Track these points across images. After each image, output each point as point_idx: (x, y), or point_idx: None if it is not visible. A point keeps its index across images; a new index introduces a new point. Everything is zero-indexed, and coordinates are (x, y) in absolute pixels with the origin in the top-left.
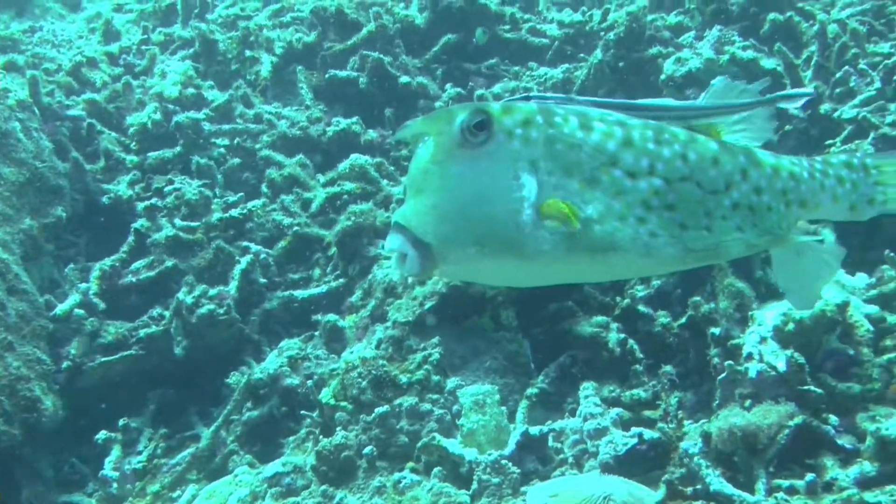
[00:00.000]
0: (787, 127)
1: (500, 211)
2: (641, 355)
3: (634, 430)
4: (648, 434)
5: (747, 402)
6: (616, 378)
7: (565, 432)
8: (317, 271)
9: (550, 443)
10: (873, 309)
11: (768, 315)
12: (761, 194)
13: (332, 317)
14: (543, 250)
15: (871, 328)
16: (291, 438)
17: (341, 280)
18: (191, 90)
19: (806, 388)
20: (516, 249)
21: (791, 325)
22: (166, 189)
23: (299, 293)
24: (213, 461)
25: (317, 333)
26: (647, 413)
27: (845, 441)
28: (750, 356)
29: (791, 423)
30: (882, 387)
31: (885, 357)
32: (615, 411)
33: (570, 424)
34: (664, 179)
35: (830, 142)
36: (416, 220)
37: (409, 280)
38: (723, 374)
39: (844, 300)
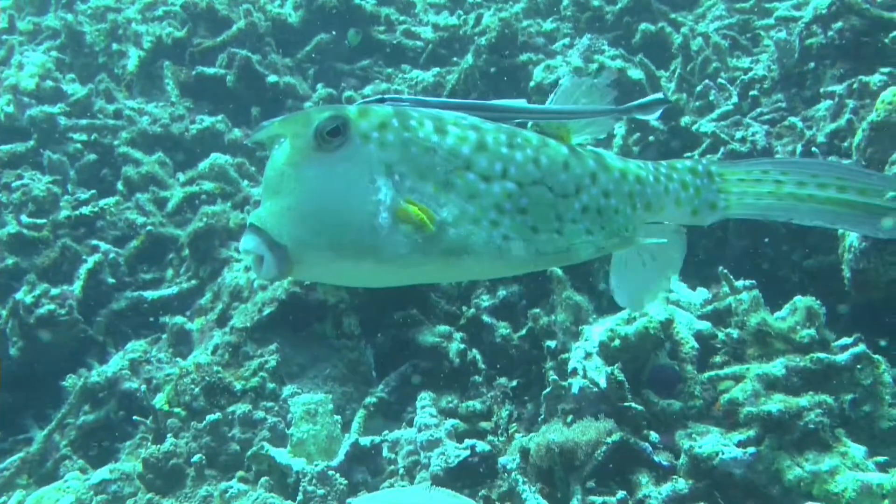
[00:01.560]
0: (651, 138)
1: (356, 214)
2: (484, 366)
3: (468, 441)
4: (481, 446)
5: (569, 418)
6: (457, 388)
7: (400, 442)
8: (170, 272)
9: (385, 453)
10: (705, 325)
11: (595, 330)
12: (609, 197)
13: (179, 319)
14: (399, 254)
15: (696, 345)
16: (128, 443)
17: (193, 282)
18: (49, 83)
19: (627, 404)
20: (373, 253)
21: (617, 342)
22: (14, 184)
23: (149, 294)
24: (44, 466)
25: (164, 336)
26: (484, 425)
27: (663, 458)
28: (574, 371)
29: (609, 439)
30: (703, 405)
31: (706, 374)
32: (450, 422)
33: (406, 435)
34: (517, 183)
35: (689, 154)
36: (272, 222)
37: (256, 285)
38: (547, 389)
39: (668, 317)
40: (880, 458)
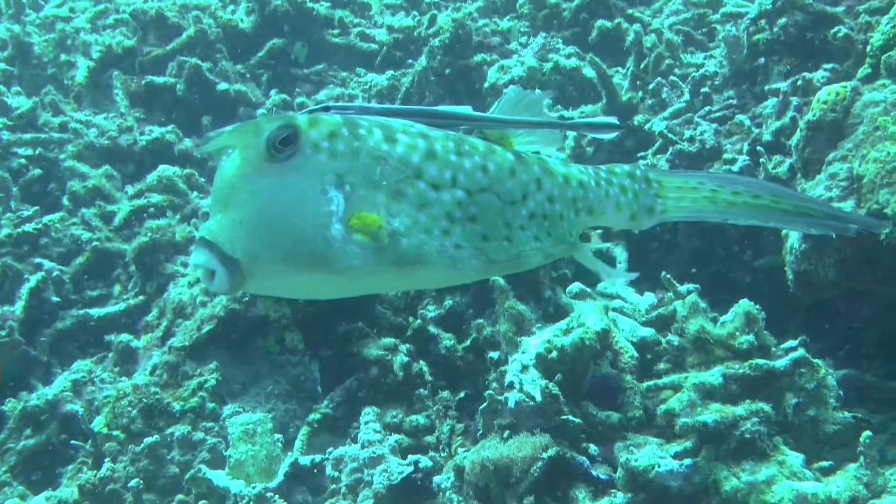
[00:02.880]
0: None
1: (308, 226)
2: (431, 378)
3: (411, 457)
4: (424, 462)
5: (506, 433)
6: (404, 402)
7: (344, 460)
8: (117, 288)
9: (329, 471)
10: (649, 332)
11: (532, 342)
12: (554, 203)
13: (125, 337)
14: (353, 265)
15: (636, 354)
16: (70, 468)
17: (140, 298)
18: None
19: (564, 418)
20: (326, 264)
21: (554, 354)
22: None
23: (95, 311)
24: None
25: (110, 355)
26: (430, 439)
27: (601, 472)
28: (511, 385)
29: (545, 455)
30: (643, 415)
31: (644, 384)
32: (394, 438)
33: (350, 452)
34: (466, 191)
35: (643, 154)
36: (224, 235)
37: (199, 301)
38: (483, 404)
39: (605, 327)
40: (825, 463)
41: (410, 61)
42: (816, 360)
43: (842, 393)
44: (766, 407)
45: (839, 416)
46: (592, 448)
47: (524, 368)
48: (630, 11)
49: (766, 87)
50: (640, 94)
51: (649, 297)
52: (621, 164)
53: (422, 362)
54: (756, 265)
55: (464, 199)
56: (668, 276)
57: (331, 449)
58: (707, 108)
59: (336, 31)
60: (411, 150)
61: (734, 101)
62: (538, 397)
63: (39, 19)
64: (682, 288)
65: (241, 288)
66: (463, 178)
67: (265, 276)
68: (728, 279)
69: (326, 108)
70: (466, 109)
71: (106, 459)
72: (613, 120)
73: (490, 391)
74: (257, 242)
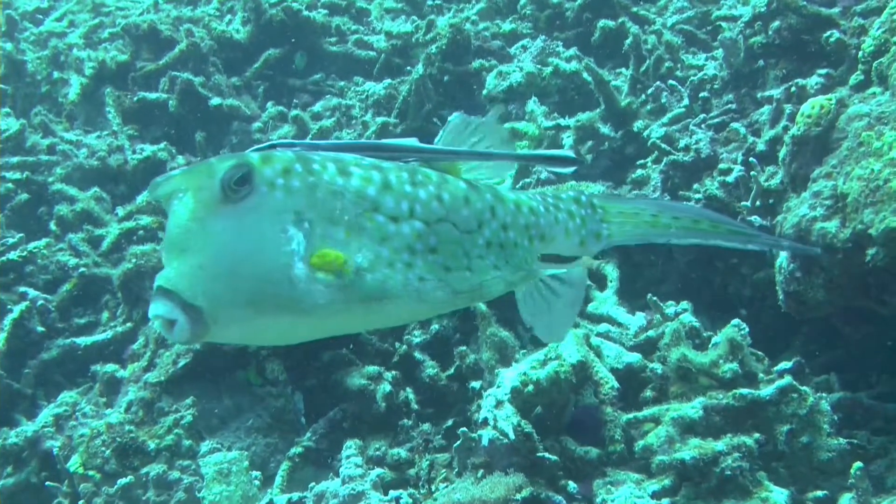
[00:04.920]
0: (605, 145)
1: (271, 267)
2: (417, 406)
3: (392, 493)
4: (405, 499)
5: (479, 472)
6: (389, 432)
7: (325, 496)
8: (105, 315)
9: None
10: (635, 357)
11: (508, 375)
12: (508, 231)
13: (110, 367)
14: (319, 304)
15: (616, 385)
16: None
17: (128, 325)
18: None
19: (540, 455)
20: (292, 306)
21: (530, 388)
22: None
23: (82, 340)
24: None
25: (96, 385)
26: (413, 472)
27: None
28: (485, 422)
29: (518, 496)
30: (624, 449)
31: (624, 417)
32: (376, 472)
33: (331, 487)
34: (424, 222)
35: (642, 161)
36: (183, 282)
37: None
38: (458, 442)
39: (581, 359)
40: (819, 493)
41: (409, 68)
42: (804, 388)
43: (836, 418)
44: (749, 441)
45: (834, 443)
46: (571, 486)
47: (499, 404)
48: (635, 10)
49: (760, 95)
50: (641, 98)
51: (640, 318)
52: (566, 190)
53: (408, 390)
54: (756, 278)
55: (423, 230)
56: (655, 298)
57: (313, 484)
58: (702, 116)
59: (333, 39)
60: (367, 183)
61: (733, 106)
62: (511, 435)
63: (34, 35)
64: (671, 309)
65: (204, 337)
66: (420, 208)
67: (229, 322)
68: (727, 293)
69: (273, 147)
70: (413, 141)
71: (80, 502)
72: (570, 153)
73: (464, 429)
74: (219, 287)
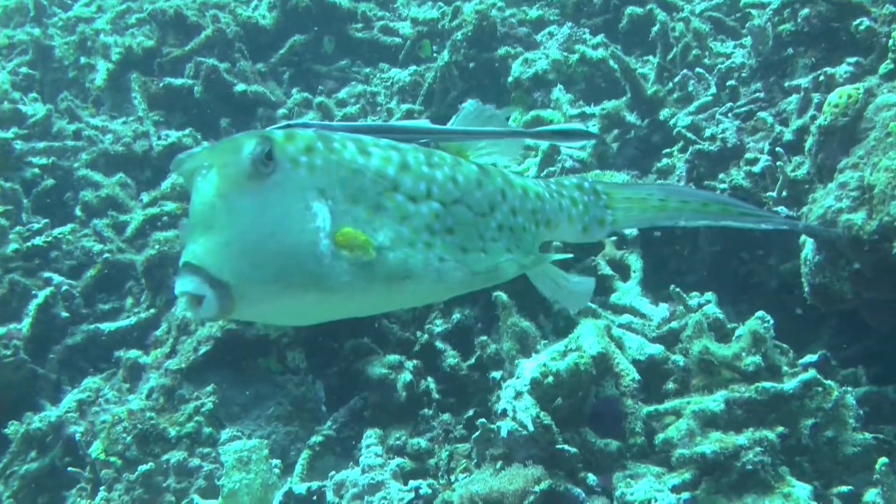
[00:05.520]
0: (631, 134)
1: (297, 243)
2: (438, 396)
3: (412, 483)
4: (424, 489)
5: (498, 464)
6: (409, 421)
7: (345, 485)
8: (129, 301)
9: (330, 496)
10: (657, 349)
11: (528, 366)
12: (517, 215)
13: (133, 353)
14: (343, 282)
15: (637, 377)
16: (73, 492)
17: (151, 311)
18: (6, 105)
19: (559, 447)
20: (318, 283)
21: (550, 379)
22: None
23: (106, 326)
24: None
25: (120, 371)
26: (434, 462)
27: None
28: (504, 413)
29: (537, 488)
30: (644, 442)
31: (645, 410)
32: (396, 462)
33: (351, 476)
34: (441, 203)
35: (668, 150)
36: (210, 258)
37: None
38: (476, 433)
39: (601, 350)
40: (844, 489)
41: (435, 55)
42: (829, 382)
43: (862, 412)
44: (772, 435)
45: (859, 438)
46: (591, 478)
47: (518, 395)
48: None
49: (788, 84)
50: (668, 86)
51: (663, 309)
52: (569, 177)
53: (429, 379)
54: (782, 269)
55: (440, 210)
56: (678, 289)
57: (332, 473)
58: (729, 105)
59: (359, 26)
60: (386, 163)
61: (761, 95)
62: (530, 427)
63: (62, 20)
64: (695, 301)
65: (230, 314)
66: (437, 189)
67: (256, 298)
68: (752, 284)
69: (288, 126)
70: (425, 123)
71: (101, 488)
72: (584, 127)
73: (482, 420)
74: (246, 263)
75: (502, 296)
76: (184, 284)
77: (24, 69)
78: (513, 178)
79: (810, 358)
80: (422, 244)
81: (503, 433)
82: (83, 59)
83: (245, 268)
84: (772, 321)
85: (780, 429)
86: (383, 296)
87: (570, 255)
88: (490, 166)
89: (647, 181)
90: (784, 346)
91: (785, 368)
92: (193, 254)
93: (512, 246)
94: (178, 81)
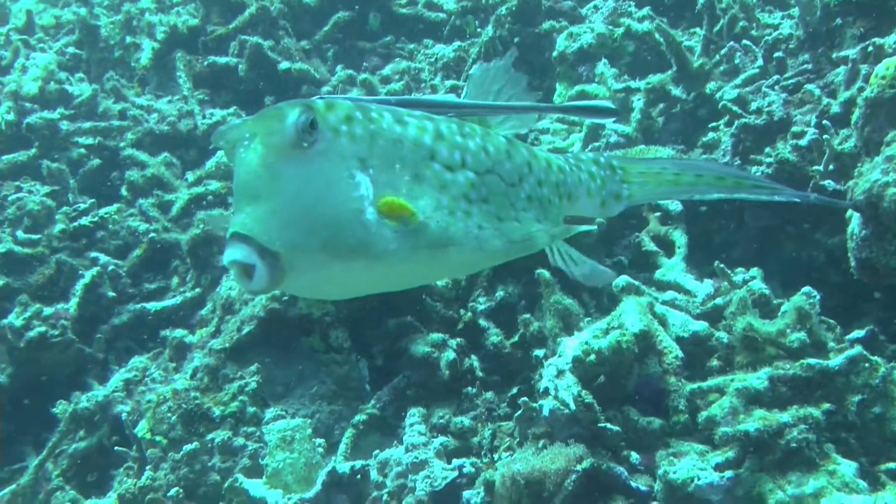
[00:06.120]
0: (677, 108)
1: (344, 211)
2: (482, 374)
3: (456, 462)
4: (468, 468)
5: (541, 443)
6: (453, 399)
7: (389, 463)
8: (175, 280)
9: (374, 475)
10: (701, 326)
11: (570, 344)
12: (542, 187)
13: (179, 332)
14: (390, 249)
15: (680, 354)
16: (121, 470)
17: (197, 290)
18: (53, 85)
19: (602, 426)
20: (365, 251)
21: (592, 357)
22: (10, 198)
23: (152, 305)
24: (36, 498)
25: (166, 351)
26: (478, 440)
27: (641, 483)
28: (546, 392)
29: (579, 467)
30: (688, 419)
31: (688, 387)
32: (440, 440)
33: (395, 455)
34: (475, 172)
35: (714, 124)
36: (259, 228)
37: (245, 297)
38: (518, 412)
39: (644, 328)
40: (892, 465)
41: (479, 30)
42: (876, 358)
43: None
44: (817, 412)
45: None
46: (634, 456)
47: (560, 373)
48: None
49: (836, 55)
50: (715, 58)
51: (708, 285)
52: (586, 152)
53: (473, 357)
54: (830, 243)
55: (475, 180)
56: (722, 265)
57: (376, 452)
58: (776, 77)
59: (403, 1)
60: (422, 132)
61: (809, 66)
62: (572, 405)
63: (108, 0)
64: (740, 276)
65: (280, 284)
66: (470, 159)
67: (306, 268)
68: (800, 259)
69: (321, 98)
70: (452, 97)
71: (147, 467)
72: (607, 103)
73: (524, 399)
74: (294, 232)
75: (545, 273)
76: (233, 253)
77: (70, 49)
78: (536, 151)
79: (857, 333)
80: (461, 212)
81: (545, 412)
82: (129, 39)
83: (294, 236)
84: (818, 296)
85: (826, 405)
86: (426, 263)
87: (594, 227)
88: (514, 138)
89: (691, 156)
90: (831, 321)
91: (831, 344)
92: (242, 224)
93: (541, 216)
94: (223, 60)
